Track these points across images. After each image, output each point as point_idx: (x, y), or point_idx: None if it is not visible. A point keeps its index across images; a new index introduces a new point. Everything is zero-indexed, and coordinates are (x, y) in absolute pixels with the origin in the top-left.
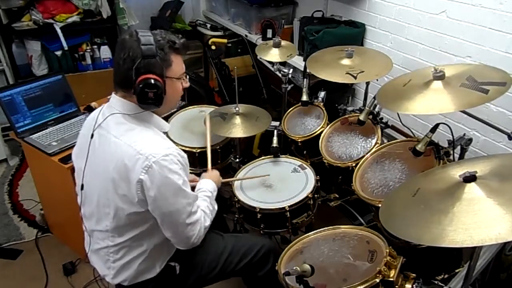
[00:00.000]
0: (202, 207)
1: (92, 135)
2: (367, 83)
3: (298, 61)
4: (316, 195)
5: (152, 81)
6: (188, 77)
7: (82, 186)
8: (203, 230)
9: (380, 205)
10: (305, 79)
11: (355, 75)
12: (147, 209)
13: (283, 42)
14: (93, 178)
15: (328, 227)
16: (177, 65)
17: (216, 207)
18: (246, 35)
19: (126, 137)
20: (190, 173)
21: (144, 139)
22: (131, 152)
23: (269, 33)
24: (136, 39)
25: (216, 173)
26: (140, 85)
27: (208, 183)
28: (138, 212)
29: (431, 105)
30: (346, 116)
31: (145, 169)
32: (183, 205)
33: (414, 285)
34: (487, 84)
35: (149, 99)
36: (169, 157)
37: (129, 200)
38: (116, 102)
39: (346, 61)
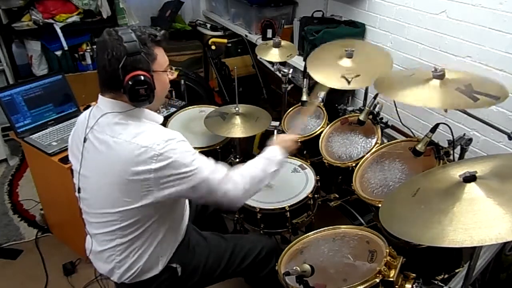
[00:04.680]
0: (238, 170)
1: (85, 139)
2: None
3: (298, 61)
4: (316, 195)
5: (142, 77)
6: (174, 69)
7: (79, 189)
8: (242, 187)
9: (380, 205)
10: (305, 79)
11: (349, 79)
12: (159, 200)
13: (283, 42)
14: (96, 182)
15: (328, 227)
16: (162, 57)
17: (271, 170)
18: (246, 35)
19: (124, 135)
20: None
21: (143, 132)
22: (134, 148)
23: (269, 33)
24: (117, 37)
25: (290, 137)
26: (130, 83)
27: (273, 151)
28: (147, 206)
29: (417, 97)
30: (346, 116)
31: (154, 159)
32: (204, 176)
33: (414, 285)
34: (481, 94)
35: (141, 96)
36: (174, 141)
37: (139, 195)
38: (105, 103)
39: (346, 61)
